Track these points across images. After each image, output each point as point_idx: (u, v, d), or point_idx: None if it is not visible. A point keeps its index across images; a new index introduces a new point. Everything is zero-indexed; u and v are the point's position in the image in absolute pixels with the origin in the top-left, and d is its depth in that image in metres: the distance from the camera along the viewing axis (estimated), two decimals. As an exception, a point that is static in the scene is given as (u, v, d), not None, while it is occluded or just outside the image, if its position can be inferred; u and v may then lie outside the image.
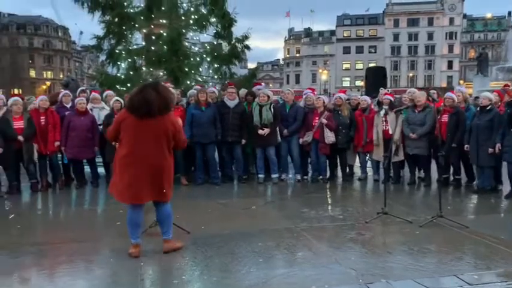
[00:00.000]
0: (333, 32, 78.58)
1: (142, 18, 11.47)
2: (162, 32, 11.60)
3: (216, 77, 12.55)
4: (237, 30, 12.40)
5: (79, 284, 3.71)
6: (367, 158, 8.19)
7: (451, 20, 73.00)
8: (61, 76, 71.28)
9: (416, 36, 73.90)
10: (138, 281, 3.73)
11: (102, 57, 12.61)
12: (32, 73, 74.78)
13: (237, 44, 12.38)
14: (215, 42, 12.64)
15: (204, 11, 11.92)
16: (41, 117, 7.26)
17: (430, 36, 73.31)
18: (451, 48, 73.27)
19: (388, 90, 9.11)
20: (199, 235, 4.84)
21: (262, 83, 10.27)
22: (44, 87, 68.27)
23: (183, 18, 11.91)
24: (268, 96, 7.70)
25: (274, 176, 7.86)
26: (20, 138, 6.91)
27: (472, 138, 6.83)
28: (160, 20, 11.76)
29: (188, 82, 11.60)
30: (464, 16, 73.65)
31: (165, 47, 11.25)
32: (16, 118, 7.03)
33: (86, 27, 79.94)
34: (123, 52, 11.66)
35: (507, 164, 6.60)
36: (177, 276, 3.88)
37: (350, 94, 10.03)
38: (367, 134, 7.68)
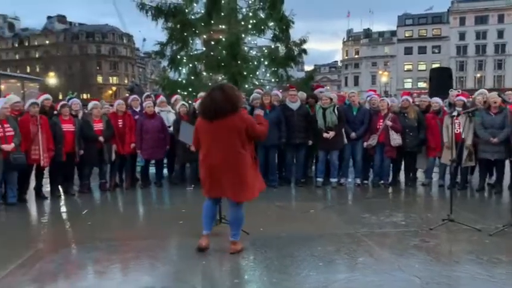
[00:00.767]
0: (393, 33, 76.26)
1: (202, 24, 11.81)
2: (221, 37, 11.88)
3: (273, 80, 12.65)
4: (294, 33, 12.45)
5: (145, 280, 3.86)
6: (436, 162, 7.84)
7: (524, 17, 68.25)
8: (126, 81, 74.90)
9: (484, 35, 69.75)
10: (201, 279, 3.84)
11: (165, 63, 13.14)
12: (99, 79, 79.19)
13: (294, 47, 12.41)
14: (272, 46, 12.74)
15: (262, 15, 12.07)
16: (119, 120, 7.70)
17: (500, 34, 68.90)
18: (524, 46, 68.47)
19: (458, 91, 8.71)
20: (258, 237, 4.89)
21: (326, 86, 10.19)
22: (110, 92, 72.17)
23: (241, 23, 12.13)
24: (331, 99, 7.63)
25: (334, 180, 7.76)
26: (101, 139, 7.37)
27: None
28: (220, 26, 12.05)
29: (246, 86, 11.78)
30: (539, 11, 68.56)
31: (224, 51, 11.51)
32: (96, 121, 7.50)
33: (149, 34, 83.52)
34: (185, 57, 12.07)
35: None
36: (237, 275, 3.96)
37: (421, 96, 9.63)
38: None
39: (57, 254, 4.53)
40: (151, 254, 4.48)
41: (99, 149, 7.49)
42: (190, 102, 9.25)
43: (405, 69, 74.20)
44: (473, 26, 69.99)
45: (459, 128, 6.94)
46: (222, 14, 11.73)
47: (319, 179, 7.79)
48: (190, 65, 12.05)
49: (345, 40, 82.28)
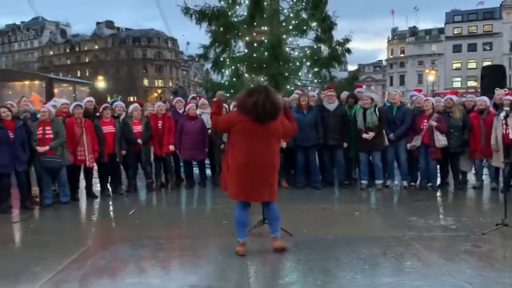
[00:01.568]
0: (441, 30, 73.56)
1: (245, 26, 11.91)
2: (263, 38, 11.94)
3: (315, 80, 12.55)
4: (337, 33, 12.30)
5: (190, 278, 3.92)
6: (484, 164, 7.50)
7: None
8: (170, 84, 76.70)
9: (540, 30, 65.96)
10: (245, 279, 3.86)
11: (208, 66, 13.34)
12: (145, 82, 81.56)
13: (337, 47, 12.27)
14: (315, 46, 12.64)
15: (304, 15, 12.01)
16: (159, 122, 7.89)
17: (558, 28, 64.93)
18: None
19: (505, 90, 8.28)
20: (302, 238, 4.86)
21: (364, 85, 9.99)
22: (156, 94, 74.12)
23: (283, 24, 12.12)
24: (372, 99, 7.47)
25: (379, 182, 7.56)
26: (139, 141, 7.59)
27: None
28: (262, 27, 12.10)
29: (288, 87, 11.75)
30: None
31: (266, 53, 11.55)
32: (135, 123, 7.73)
33: (192, 37, 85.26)
34: (227, 60, 12.23)
35: None
36: (282, 276, 3.95)
37: (466, 95, 9.22)
38: (486, 138, 7.02)
39: (107, 250, 4.70)
40: (196, 252, 4.55)
41: (139, 150, 7.70)
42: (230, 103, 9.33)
43: (454, 68, 71.35)
44: (528, 21, 66.34)
45: (508, 129, 6.59)
46: (264, 15, 11.78)
47: (364, 181, 7.63)
48: (233, 67, 12.18)
49: (389, 39, 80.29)
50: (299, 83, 12.18)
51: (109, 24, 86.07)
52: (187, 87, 67.05)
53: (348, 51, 12.43)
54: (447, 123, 7.17)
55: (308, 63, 12.21)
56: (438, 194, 7.30)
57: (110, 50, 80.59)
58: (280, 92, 9.93)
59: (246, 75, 12.56)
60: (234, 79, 12.10)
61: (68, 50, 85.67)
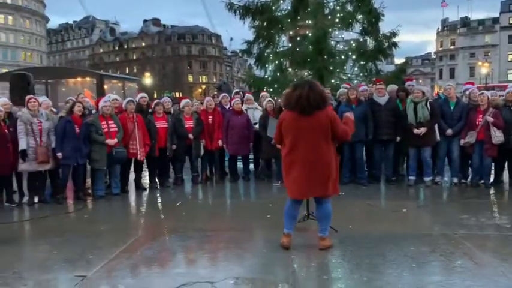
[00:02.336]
0: (495, 20, 69.91)
1: (289, 20, 11.84)
2: (307, 32, 11.83)
3: (361, 74, 12.31)
4: (384, 24, 11.99)
5: (235, 270, 3.98)
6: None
7: None
8: (214, 80, 77.82)
9: None
10: (290, 273, 3.87)
11: (251, 61, 13.38)
12: (190, 78, 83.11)
13: (383, 39, 11.96)
14: (360, 39, 12.39)
15: (350, 8, 11.79)
16: (209, 117, 8.05)
17: None
18: None
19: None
20: (347, 234, 4.80)
21: (413, 79, 9.68)
22: (200, 90, 75.41)
23: (328, 17, 11.95)
24: (423, 93, 7.21)
25: (428, 178, 7.30)
26: (190, 136, 7.77)
27: None
28: (306, 21, 11.99)
29: (333, 81, 11.60)
30: None
31: (310, 47, 11.44)
32: (187, 118, 7.91)
33: (236, 33, 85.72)
34: (271, 55, 12.21)
35: None
36: (326, 272, 3.94)
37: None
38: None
39: (155, 241, 4.85)
40: (241, 245, 4.61)
41: (189, 144, 7.86)
42: (276, 98, 9.33)
43: (509, 60, 67.70)
44: None
45: None
46: (309, 9, 11.66)
47: (412, 177, 7.40)
48: (276, 62, 12.15)
49: (439, 30, 77.27)
50: (344, 77, 11.99)
51: (155, 21, 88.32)
52: (231, 82, 67.64)
53: (395, 45, 12.09)
54: (506, 117, 6.80)
55: (353, 57, 11.98)
56: (491, 191, 6.98)
57: (156, 47, 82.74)
58: (326, 86, 9.83)
59: (290, 69, 12.51)
60: (278, 74, 12.08)
61: (116, 48, 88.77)
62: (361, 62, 12.03)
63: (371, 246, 4.42)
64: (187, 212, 6.20)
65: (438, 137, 7.20)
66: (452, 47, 73.76)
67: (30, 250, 4.81)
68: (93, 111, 7.69)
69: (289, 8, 12.04)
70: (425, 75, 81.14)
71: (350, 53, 12.09)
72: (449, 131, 7.13)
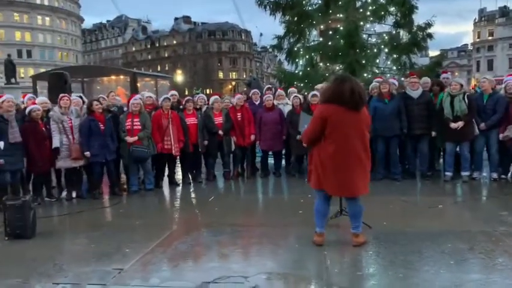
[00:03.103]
0: (536, 8, 66.92)
1: (319, 14, 11.73)
2: (339, 26, 11.68)
3: (394, 67, 12.06)
4: (417, 16, 11.69)
5: (268, 265, 3.98)
6: None
7: None
8: (244, 76, 78.06)
9: None
10: (323, 268, 3.85)
11: (281, 56, 13.34)
12: (220, 74, 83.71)
13: (418, 31, 11.67)
14: (393, 32, 12.13)
15: (382, 0, 11.55)
16: (238, 114, 8.08)
17: None
18: None
19: None
20: (382, 231, 4.73)
21: (448, 71, 9.39)
22: (230, 87, 75.86)
23: (360, 10, 11.76)
24: (461, 85, 6.97)
25: (465, 173, 7.07)
26: (220, 132, 7.83)
27: None
28: (337, 15, 11.85)
29: (365, 75, 11.42)
30: None
31: (342, 40, 11.30)
32: (216, 114, 7.97)
33: (265, 28, 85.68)
34: (301, 49, 12.14)
35: None
36: (360, 268, 3.89)
37: None
38: None
39: (189, 236, 4.92)
40: (273, 240, 4.61)
41: (220, 140, 7.92)
42: (306, 93, 9.26)
43: (551, 50, 64.70)
44: None
45: None
46: (340, 2, 11.51)
47: (448, 173, 7.19)
48: (307, 57, 12.08)
49: (476, 20, 74.57)
50: (377, 71, 11.78)
51: (186, 19, 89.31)
52: (261, 78, 67.68)
53: (430, 36, 11.78)
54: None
55: (386, 50, 11.75)
56: (533, 187, 6.71)
57: (187, 44, 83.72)
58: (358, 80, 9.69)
59: (321, 64, 12.41)
60: (308, 69, 12.00)
61: (148, 46, 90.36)
62: (395, 55, 11.80)
63: (406, 243, 4.33)
64: (219, 207, 6.26)
65: (477, 131, 6.96)
66: (490, 37, 71.06)
67: (70, 243, 4.97)
68: (125, 109, 7.85)
69: (320, 2, 11.93)
70: (461, 67, 78.60)
71: (383, 46, 11.88)
72: (482, 125, 6.88)
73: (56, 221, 5.92)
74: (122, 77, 17.66)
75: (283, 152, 8.57)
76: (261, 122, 7.97)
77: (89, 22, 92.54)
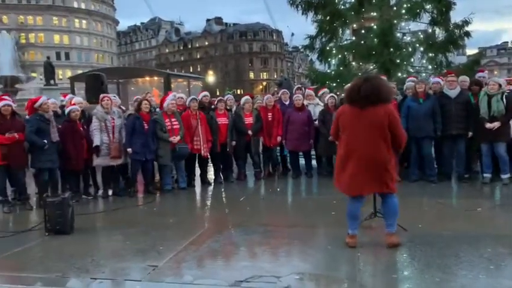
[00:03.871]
0: None
1: (352, 13, 11.58)
2: (372, 24, 11.50)
3: (430, 67, 11.76)
4: (454, 14, 11.36)
5: (300, 266, 3.96)
6: None
7: None
8: (275, 76, 78.04)
9: None
10: (356, 270, 3.79)
11: (313, 56, 13.25)
12: (251, 75, 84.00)
13: (455, 29, 11.34)
14: (429, 30, 11.83)
15: (418, -2, 11.28)
16: (269, 114, 8.09)
17: None
18: None
19: None
20: (417, 233, 4.61)
21: (485, 70, 9.05)
22: (261, 87, 76.02)
23: (394, 8, 11.54)
24: (500, 85, 6.72)
25: (505, 176, 6.77)
26: (250, 132, 7.86)
27: None
28: (371, 13, 11.67)
29: (399, 74, 11.20)
30: None
31: (375, 39, 11.12)
32: (247, 114, 8.02)
33: (296, 28, 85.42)
34: (334, 49, 12.01)
35: None
36: (395, 271, 3.81)
37: None
38: None
39: (221, 234, 4.96)
40: (306, 241, 4.58)
41: (249, 141, 7.95)
42: (338, 93, 9.17)
43: None
44: None
45: None
46: (374, 0, 11.33)
47: (486, 175, 6.93)
48: (340, 56, 11.95)
49: (516, 17, 71.68)
50: (412, 70, 11.52)
51: (218, 20, 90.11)
52: (292, 78, 67.48)
53: (467, 34, 11.42)
54: None
55: (422, 49, 11.47)
56: None
57: (219, 45, 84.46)
58: (392, 80, 9.51)
59: (354, 63, 12.25)
60: (341, 68, 11.87)
61: (181, 47, 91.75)
62: (430, 54, 11.50)
63: (442, 246, 4.21)
64: (251, 207, 6.28)
65: None
66: (531, 35, 68.16)
67: (106, 240, 5.12)
68: (157, 109, 7.99)
69: (353, 0, 11.77)
70: (501, 66, 75.87)
71: (418, 45, 11.60)
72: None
73: (93, 217, 6.09)
74: (155, 78, 18.02)
75: (314, 152, 8.51)
76: (289, 121, 7.93)
77: (123, 24, 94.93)
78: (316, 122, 7.95)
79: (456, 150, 7.15)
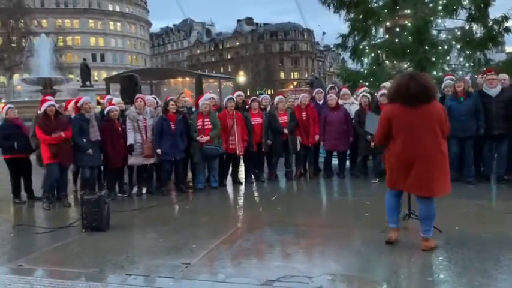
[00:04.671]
0: None
1: (386, 11, 11.37)
2: (406, 22, 11.26)
3: (467, 64, 11.40)
4: (493, 9, 10.97)
5: (332, 267, 3.92)
6: None
7: None
8: (306, 76, 77.61)
9: None
10: (390, 273, 3.72)
11: (345, 55, 13.09)
12: (282, 75, 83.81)
13: (494, 26, 10.94)
14: (466, 27, 11.47)
15: (455, -7, 10.96)
16: (303, 113, 8.04)
17: None
18: None
19: None
20: (453, 235, 4.48)
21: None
22: (291, 87, 75.71)
23: (430, 5, 11.26)
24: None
25: (548, 179, 6.53)
26: (285, 131, 7.85)
27: None
28: (405, 11, 11.43)
29: (435, 72, 10.90)
30: None
31: (410, 37, 10.88)
32: (281, 114, 8.00)
33: (328, 27, 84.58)
34: (367, 47, 11.83)
35: None
36: (431, 273, 3.71)
37: None
38: None
39: (253, 234, 4.97)
40: (338, 242, 4.53)
41: (285, 140, 7.92)
42: (372, 92, 9.01)
43: None
44: None
45: None
46: (408, -2, 11.09)
47: (528, 177, 6.67)
48: (373, 55, 11.76)
49: (559, 12, 68.44)
50: (448, 68, 11.20)
51: (248, 20, 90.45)
52: (323, 77, 66.90)
53: (507, 30, 10.99)
54: None
55: (458, 46, 11.12)
56: None
57: (250, 45, 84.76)
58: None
59: (387, 62, 12.03)
60: (374, 67, 11.67)
61: (212, 48, 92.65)
62: (468, 52, 11.14)
63: (481, 249, 4.08)
64: (282, 207, 6.27)
65: None
66: None
67: (141, 237, 5.23)
68: (193, 109, 8.09)
69: (386, -2, 11.56)
70: (542, 63, 72.55)
71: (454, 42, 11.26)
72: None
73: (128, 215, 6.23)
74: (187, 78, 18.23)
75: (348, 152, 8.40)
76: (326, 121, 7.86)
77: (156, 26, 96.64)
78: (353, 121, 7.83)
79: (497, 150, 6.90)
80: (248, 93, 44.23)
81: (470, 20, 11.18)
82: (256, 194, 7.37)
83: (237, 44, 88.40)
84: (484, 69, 8.96)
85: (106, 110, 7.16)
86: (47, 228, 5.45)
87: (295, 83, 78.15)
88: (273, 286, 3.53)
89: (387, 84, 8.05)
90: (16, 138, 6.89)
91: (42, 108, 6.53)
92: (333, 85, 9.90)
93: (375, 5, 11.65)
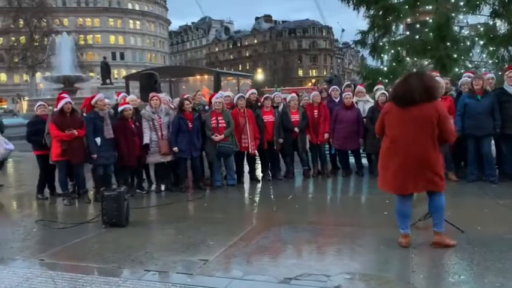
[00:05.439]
0: None
1: (406, 7, 11.19)
2: (427, 18, 11.07)
3: (491, 61, 11.12)
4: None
5: (350, 266, 3.89)
6: None
7: None
8: (324, 73, 77.12)
9: None
10: (410, 272, 3.66)
11: (365, 52, 12.94)
12: (300, 72, 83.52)
13: (519, 21, 10.65)
14: (490, 22, 11.19)
15: (478, -11, 10.70)
16: (314, 111, 8.00)
17: None
18: None
19: None
20: (475, 236, 4.40)
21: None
22: (310, 84, 75.32)
23: (451, 1, 11.03)
24: None
25: None
26: (296, 129, 7.81)
27: None
28: (426, 7, 11.23)
29: (457, 69, 10.69)
30: None
31: (431, 34, 10.68)
32: (293, 112, 7.96)
33: (348, 24, 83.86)
34: (387, 44, 11.68)
35: None
36: (451, 274, 3.64)
37: None
38: None
39: (270, 231, 4.96)
40: (356, 241, 4.50)
41: (295, 138, 7.88)
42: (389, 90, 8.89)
43: None
44: None
45: None
46: (429, -7, 10.89)
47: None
48: (393, 51, 11.59)
49: None
50: (470, 65, 10.96)
51: (267, 18, 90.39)
52: (342, 75, 66.33)
53: (532, 26, 10.69)
54: None
55: (481, 42, 10.87)
56: None
57: (268, 43, 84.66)
58: (448, 75, 9.11)
59: (408, 59, 11.84)
60: (394, 64, 11.51)
61: (230, 46, 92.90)
62: (491, 48, 10.86)
63: (504, 250, 3.99)
64: (299, 205, 6.24)
65: None
66: None
67: (159, 233, 5.27)
68: (207, 107, 8.11)
69: (407, -6, 11.36)
70: None
71: (477, 39, 11.00)
72: None
73: (147, 211, 6.30)
74: (206, 76, 18.36)
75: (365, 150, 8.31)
76: (336, 120, 7.79)
77: (175, 24, 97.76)
78: (365, 119, 7.75)
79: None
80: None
81: (494, 15, 10.90)
82: (273, 191, 7.35)
83: (255, 41, 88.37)
84: (506, 66, 8.75)
85: (120, 108, 7.20)
86: (67, 224, 5.55)
87: (313, 80, 77.73)
88: (290, 284, 3.52)
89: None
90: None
91: (59, 105, 6.60)
92: (349, 83, 9.80)
93: (395, 1, 11.45)
